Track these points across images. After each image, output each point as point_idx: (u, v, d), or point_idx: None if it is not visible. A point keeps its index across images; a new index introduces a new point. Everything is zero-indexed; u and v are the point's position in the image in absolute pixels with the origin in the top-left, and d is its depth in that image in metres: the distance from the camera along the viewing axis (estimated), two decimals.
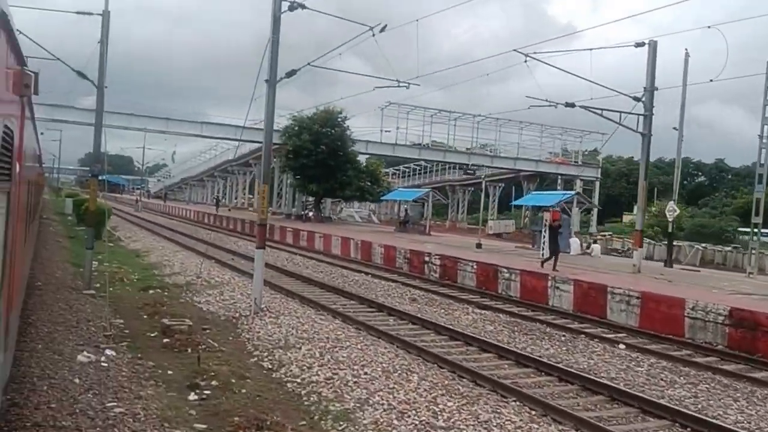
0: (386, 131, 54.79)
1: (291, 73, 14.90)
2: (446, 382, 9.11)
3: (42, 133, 46.23)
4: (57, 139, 78.07)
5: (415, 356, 10.71)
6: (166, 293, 16.89)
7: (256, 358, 10.81)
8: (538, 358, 10.96)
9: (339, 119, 44.81)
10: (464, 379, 9.50)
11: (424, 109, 55.95)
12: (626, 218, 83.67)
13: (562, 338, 13.26)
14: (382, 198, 45.42)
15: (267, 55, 14.30)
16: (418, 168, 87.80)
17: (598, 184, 67.22)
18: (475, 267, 21.30)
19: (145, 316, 13.78)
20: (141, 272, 21.05)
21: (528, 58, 19.64)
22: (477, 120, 59.29)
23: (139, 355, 10.50)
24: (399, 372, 9.45)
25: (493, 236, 63.48)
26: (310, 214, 49.64)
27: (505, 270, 19.90)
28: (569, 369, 10.26)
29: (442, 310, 16.06)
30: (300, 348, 11.09)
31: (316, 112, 45.49)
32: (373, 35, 14.86)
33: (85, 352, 9.55)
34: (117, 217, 47.48)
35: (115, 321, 12.89)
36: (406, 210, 43.30)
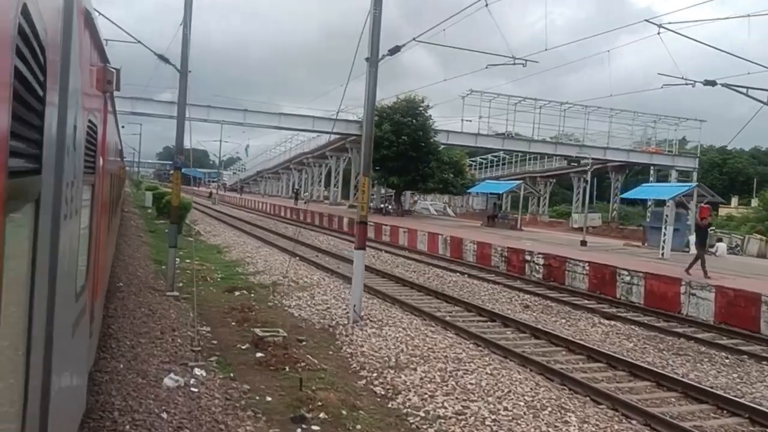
0: (467, 120, 52.60)
1: (394, 50, 13.23)
2: (615, 426, 7.22)
3: (123, 127, 46.67)
4: (137, 133, 79.71)
5: (558, 385, 8.86)
6: (252, 295, 15.63)
7: (364, 381, 9.23)
8: (712, 390, 8.89)
9: (420, 108, 42.98)
10: (633, 421, 7.59)
11: (508, 97, 53.37)
12: (723, 211, 78.23)
13: (726, 361, 11.07)
14: (468, 191, 43.14)
15: (366, 32, 12.69)
16: (495, 159, 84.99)
17: (695, 175, 62.66)
18: (587, 268, 19.12)
19: (233, 323, 12.48)
20: (224, 270, 19.99)
21: (661, 29, 17.24)
22: (564, 108, 56.17)
23: (232, 375, 9.10)
24: (549, 409, 7.63)
25: (577, 230, 60.44)
26: (390, 207, 48.13)
27: (625, 272, 17.65)
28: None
29: (563, 320, 14.08)
30: (415, 369, 9.43)
31: (396, 101, 43.84)
32: (486, 5, 12.98)
33: (172, 374, 8.20)
34: (195, 211, 47.54)
35: (201, 329, 11.64)
36: (495, 203, 40.93)
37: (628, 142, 63.19)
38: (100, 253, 5.58)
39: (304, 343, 11.28)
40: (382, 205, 49.60)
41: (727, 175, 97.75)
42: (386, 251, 28.01)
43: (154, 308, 12.55)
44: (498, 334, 12.11)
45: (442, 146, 45.06)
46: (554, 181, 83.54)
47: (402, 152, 41.56)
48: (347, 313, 13.24)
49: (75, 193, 3.05)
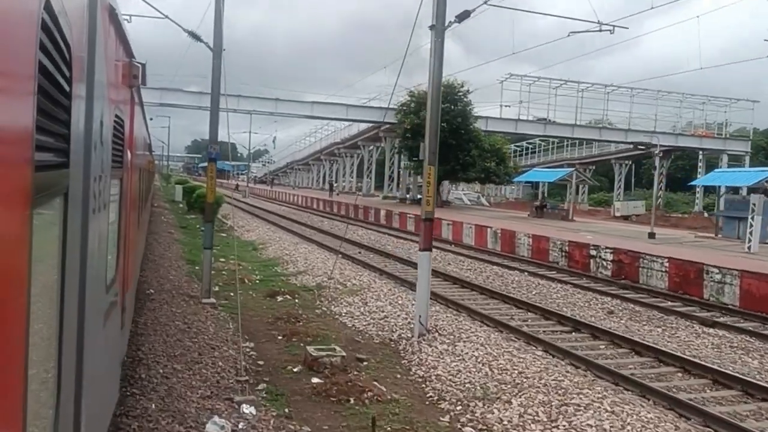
0: (506, 106, 50.47)
1: (463, 16, 11.40)
2: None
3: (151, 119, 45.58)
4: (165, 126, 79.02)
5: (701, 427, 7.03)
6: (297, 301, 14.04)
7: (448, 417, 7.51)
8: None
9: (460, 93, 40.98)
10: None
11: (549, 80, 51.05)
12: None
13: None
14: (514, 179, 40.97)
15: None
16: (531, 146, 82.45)
17: (748, 159, 59.61)
18: (666, 264, 17.12)
19: (280, 337, 10.88)
20: (262, 270, 18.47)
21: None
22: (608, 90, 53.61)
23: (287, 410, 7.46)
24: None
25: (619, 219, 58.01)
26: (438, 198, 46.34)
27: (715, 270, 15.63)
28: None
29: (658, 329, 12.18)
30: (509, 401, 7.68)
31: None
32: None
33: (216, 418, 6.58)
34: (226, 205, 46.29)
35: (245, 345, 10.06)
36: (543, 193, 38.76)
37: (669, 126, 60.16)
38: (129, 246, 5.72)
39: (365, 363, 9.62)
40: (420, 196, 47.75)
41: None
42: (433, 246, 26.25)
43: (189, 320, 11.01)
44: (592, 350, 10.30)
45: (483, 133, 42.98)
46: (594, 167, 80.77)
47: (441, 140, 39.47)
48: (410, 323, 11.55)
49: (103, 187, 3.10)
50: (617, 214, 61.76)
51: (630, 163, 75.72)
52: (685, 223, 56.06)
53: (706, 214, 60.09)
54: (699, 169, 60.65)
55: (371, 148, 64.96)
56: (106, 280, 3.41)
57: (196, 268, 17.93)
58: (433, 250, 24.88)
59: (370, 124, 56.61)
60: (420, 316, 10.84)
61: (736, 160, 59.43)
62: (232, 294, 14.69)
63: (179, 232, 27.63)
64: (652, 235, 23.76)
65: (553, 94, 51.95)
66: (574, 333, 11.48)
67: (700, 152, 60.61)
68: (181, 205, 45.15)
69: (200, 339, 9.98)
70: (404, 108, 41.95)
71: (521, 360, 9.14)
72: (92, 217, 2.65)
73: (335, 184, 70.95)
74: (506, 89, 50.06)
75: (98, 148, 2.80)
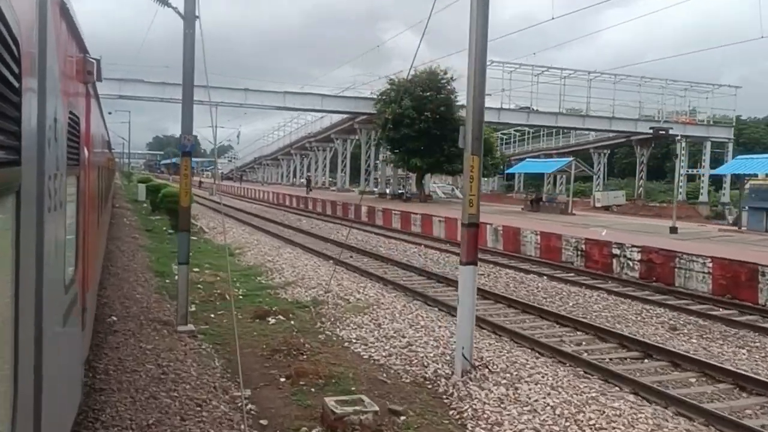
0: (486, 95, 48.33)
1: None
2: None
3: (110, 113, 42.46)
4: (125, 122, 75.23)
5: None
6: (293, 323, 11.63)
7: None
8: None
9: (443, 81, 38.77)
10: None
11: (532, 67, 49.17)
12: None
13: None
14: (506, 171, 38.80)
15: None
16: (504, 137, 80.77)
17: (731, 146, 58.72)
18: (709, 265, 15.15)
19: (282, 379, 8.50)
20: (244, 281, 15.99)
21: None
22: (592, 77, 51.97)
23: None
24: None
25: (600, 209, 56.70)
26: (409, 192, 44.01)
27: None
28: None
29: (742, 350, 10.12)
30: None
31: (414, 73, 39.59)
32: None
33: None
34: (195, 203, 43.38)
35: (239, 394, 7.68)
36: (537, 188, 36.74)
37: (651, 113, 58.64)
38: (89, 244, 5.69)
39: (402, 417, 7.30)
40: (401, 191, 45.50)
41: (744, 145, 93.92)
42: (427, 246, 24.05)
43: (163, 362, 8.55)
44: (686, 387, 8.16)
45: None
46: (570, 157, 79.56)
47: (424, 131, 37.45)
48: (444, 354, 9.28)
49: (59, 185, 3.10)
50: (598, 204, 60.44)
51: (608, 152, 74.68)
52: (668, 212, 54.87)
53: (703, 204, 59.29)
54: (681, 157, 59.66)
55: (345, 141, 62.45)
56: (64, 280, 3.41)
57: (167, 281, 15.44)
58: (429, 249, 22.77)
59: (344, 116, 54.20)
60: (463, 348, 8.55)
61: (719, 148, 58.57)
62: (212, 316, 12.25)
63: (144, 237, 24.91)
64: (674, 230, 21.85)
65: (535, 81, 50.12)
66: (647, 361, 9.34)
67: (683, 139, 59.56)
68: (144, 205, 42.15)
69: (180, 390, 7.55)
70: (384, 97, 39.61)
71: (615, 411, 6.91)
72: (48, 216, 2.65)
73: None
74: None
75: (52, 145, 2.78)
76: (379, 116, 40.17)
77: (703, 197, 57.84)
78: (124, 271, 16.05)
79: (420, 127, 37.13)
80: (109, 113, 43.91)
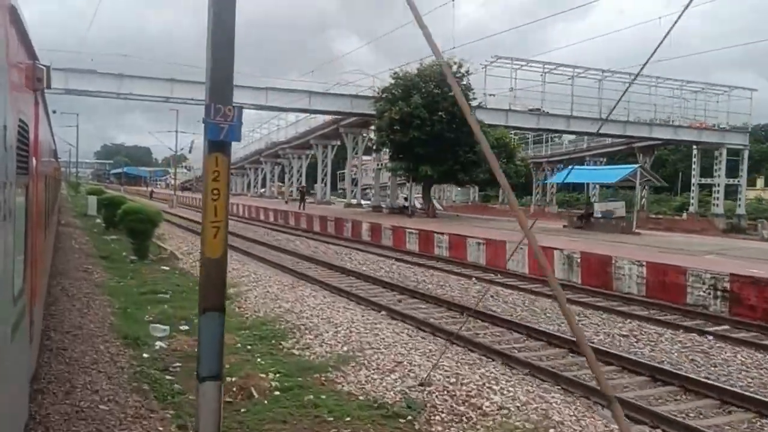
0: (490, 95, 43.48)
1: None
2: None
3: (54, 112, 36.12)
4: (73, 125, 68.05)
5: None
6: None
7: None
8: None
9: (457, 75, 33.69)
10: None
11: (543, 65, 44.56)
12: (752, 194, 71.09)
13: None
14: (546, 181, 33.30)
15: None
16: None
17: (747, 153, 55.21)
18: None
19: None
20: (266, 353, 10.38)
21: None
22: (604, 76, 47.61)
23: None
24: None
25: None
26: (412, 207, 38.70)
27: None
28: None
29: None
30: None
31: (420, 66, 34.42)
32: None
33: None
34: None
35: None
36: (588, 201, 31.52)
37: (668, 115, 54.38)
38: (37, 255, 5.66)
39: None
40: (406, 204, 40.13)
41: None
42: (485, 279, 18.80)
43: None
44: None
45: (487, 125, 35.78)
46: (561, 165, 75.33)
47: (437, 133, 32.25)
48: None
49: (8, 194, 3.10)
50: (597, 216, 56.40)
51: (604, 160, 70.76)
52: (682, 225, 50.86)
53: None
54: (693, 165, 55.82)
55: (326, 146, 56.81)
56: (13, 291, 3.36)
57: (144, 355, 9.79)
58: (502, 288, 17.40)
59: (326, 119, 48.80)
60: None
61: (735, 154, 54.92)
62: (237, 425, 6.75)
63: (100, 268, 18.96)
64: None
65: (545, 81, 45.45)
66: None
67: (695, 147, 55.82)
68: (97, 221, 35.92)
69: None
70: (386, 95, 34.31)
71: None
72: None
73: (288, 190, 61.80)
74: (489, 75, 43.15)
75: (1, 154, 2.79)
76: (380, 117, 34.88)
77: (719, 209, 54.03)
78: (73, 340, 10.29)
79: (432, 129, 31.90)
80: (53, 112, 37.60)
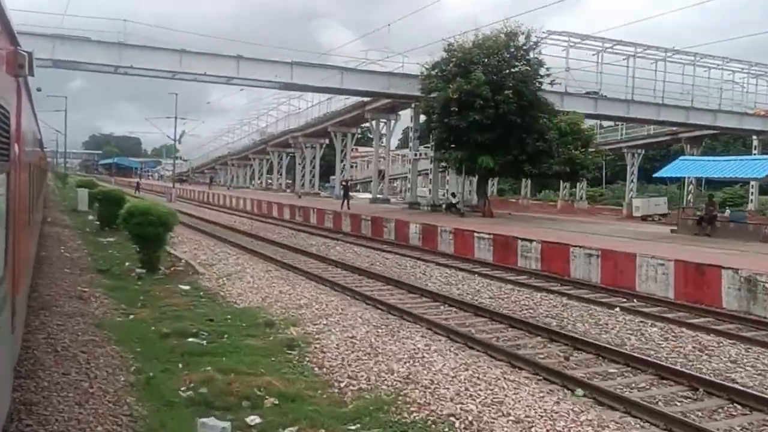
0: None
1: None
2: None
3: (39, 90, 30.93)
4: (61, 110, 62.65)
5: None
6: None
7: None
8: None
9: (525, 47, 28.71)
10: None
11: (603, 41, 39.60)
12: None
13: None
14: (655, 174, 28.18)
15: None
16: None
17: None
18: None
19: None
20: None
21: None
22: (668, 55, 42.63)
23: None
24: None
25: (636, 219, 48.01)
26: (459, 205, 33.63)
27: None
28: None
29: None
30: None
31: (476, 37, 29.33)
32: None
33: None
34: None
35: None
36: (710, 198, 26.36)
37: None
38: (20, 244, 5.68)
39: None
40: (453, 200, 35.05)
41: None
42: (611, 302, 13.85)
43: None
44: None
45: (556, 108, 30.70)
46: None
47: (500, 116, 27.25)
48: None
49: None
50: (636, 213, 51.66)
51: (642, 152, 65.68)
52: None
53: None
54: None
55: (345, 135, 51.69)
56: None
57: None
58: (622, 311, 12.29)
59: (347, 103, 43.78)
60: None
61: None
62: None
63: (100, 290, 13.92)
64: None
65: (601, 61, 40.50)
66: None
67: (755, 137, 51.01)
68: (90, 218, 30.88)
69: None
70: (437, 71, 29.24)
71: None
72: None
73: (299, 185, 56.15)
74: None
75: None
76: (427, 98, 29.90)
77: None
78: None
79: (496, 112, 26.89)
80: (38, 90, 32.41)
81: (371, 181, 49.59)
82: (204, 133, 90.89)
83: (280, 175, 69.26)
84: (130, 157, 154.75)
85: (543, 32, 37.08)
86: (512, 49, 28.70)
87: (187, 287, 15.23)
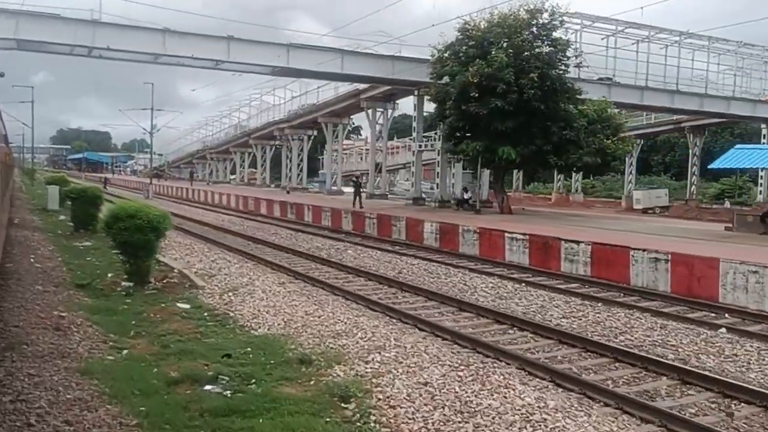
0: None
1: None
2: None
3: (2, 75, 27.85)
4: (26, 101, 58.88)
5: None
6: None
7: None
8: None
9: (549, 26, 26.25)
10: None
11: (616, 23, 37.27)
12: None
13: None
14: (711, 166, 25.72)
15: None
16: None
17: None
18: None
19: None
20: None
21: None
22: (683, 39, 40.54)
23: None
24: None
25: (637, 212, 46.48)
26: (472, 200, 31.15)
27: None
28: None
29: None
30: None
31: (494, 14, 26.77)
32: None
33: None
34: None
35: None
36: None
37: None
38: None
39: None
40: (466, 196, 32.49)
41: None
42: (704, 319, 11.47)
43: None
44: None
45: (582, 94, 28.24)
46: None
47: (524, 103, 24.77)
48: None
49: None
50: (637, 206, 50.06)
51: (641, 142, 63.70)
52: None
53: None
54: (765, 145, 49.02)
55: (337, 125, 48.88)
56: None
57: None
58: (728, 331, 9.94)
59: (347, 90, 41.11)
60: None
61: None
62: None
63: (81, 315, 11.12)
64: None
65: (616, 45, 38.26)
66: None
67: (764, 126, 49.27)
68: (62, 218, 27.86)
69: None
70: (450, 54, 26.69)
71: None
72: None
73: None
74: None
75: None
76: (438, 84, 27.36)
77: None
78: None
79: (523, 97, 24.37)
80: (2, 76, 29.23)
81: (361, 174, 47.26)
82: (181, 126, 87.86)
83: (264, 169, 66.14)
84: (99, 152, 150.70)
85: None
86: (534, 29, 26.18)
87: (186, 306, 12.61)
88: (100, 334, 10.08)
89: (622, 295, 15.02)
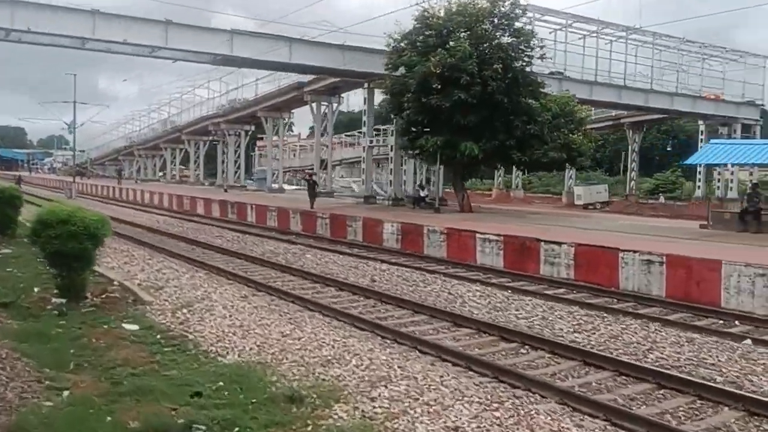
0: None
1: None
2: None
3: None
4: None
5: None
6: None
7: None
8: None
9: (512, 16, 25.08)
10: None
11: (566, 17, 36.68)
12: None
13: None
14: (684, 162, 24.58)
15: None
16: None
17: (759, 129, 49.79)
18: None
19: None
20: None
21: None
22: (629, 34, 40.32)
23: None
24: None
25: (578, 207, 46.55)
26: (429, 198, 29.79)
27: None
28: None
29: None
30: None
31: (451, 2, 25.48)
32: None
33: None
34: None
35: None
36: (755, 187, 22.90)
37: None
38: None
39: None
40: (422, 194, 31.06)
41: None
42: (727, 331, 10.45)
43: None
44: None
45: (546, 86, 27.26)
46: None
47: (487, 96, 23.57)
48: None
49: None
50: (578, 202, 50.01)
51: None
52: (690, 212, 44.39)
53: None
54: (701, 142, 49.58)
55: (277, 120, 46.67)
56: None
57: None
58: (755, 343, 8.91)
59: (289, 83, 39.13)
60: None
61: (747, 131, 49.27)
62: None
63: (6, 340, 9.09)
64: None
65: (566, 40, 37.68)
66: None
67: (701, 122, 49.93)
68: None
69: None
70: (407, 44, 25.24)
71: None
72: None
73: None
74: None
75: None
76: (394, 75, 25.86)
77: (733, 193, 48.20)
78: None
79: (487, 89, 23.14)
80: None
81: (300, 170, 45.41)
82: (107, 121, 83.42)
83: (198, 166, 63.16)
84: (14, 148, 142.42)
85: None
86: (495, 19, 25.02)
87: (134, 327, 10.79)
88: (33, 370, 8.18)
89: (615, 300, 13.94)
